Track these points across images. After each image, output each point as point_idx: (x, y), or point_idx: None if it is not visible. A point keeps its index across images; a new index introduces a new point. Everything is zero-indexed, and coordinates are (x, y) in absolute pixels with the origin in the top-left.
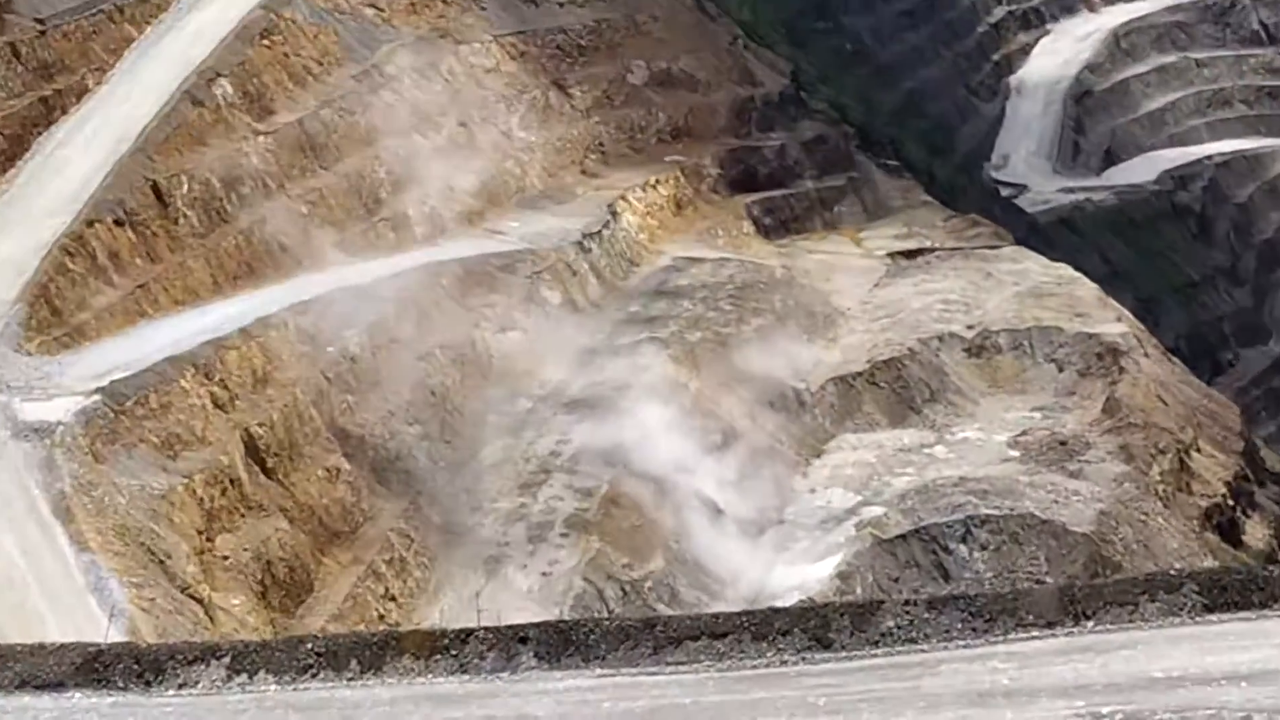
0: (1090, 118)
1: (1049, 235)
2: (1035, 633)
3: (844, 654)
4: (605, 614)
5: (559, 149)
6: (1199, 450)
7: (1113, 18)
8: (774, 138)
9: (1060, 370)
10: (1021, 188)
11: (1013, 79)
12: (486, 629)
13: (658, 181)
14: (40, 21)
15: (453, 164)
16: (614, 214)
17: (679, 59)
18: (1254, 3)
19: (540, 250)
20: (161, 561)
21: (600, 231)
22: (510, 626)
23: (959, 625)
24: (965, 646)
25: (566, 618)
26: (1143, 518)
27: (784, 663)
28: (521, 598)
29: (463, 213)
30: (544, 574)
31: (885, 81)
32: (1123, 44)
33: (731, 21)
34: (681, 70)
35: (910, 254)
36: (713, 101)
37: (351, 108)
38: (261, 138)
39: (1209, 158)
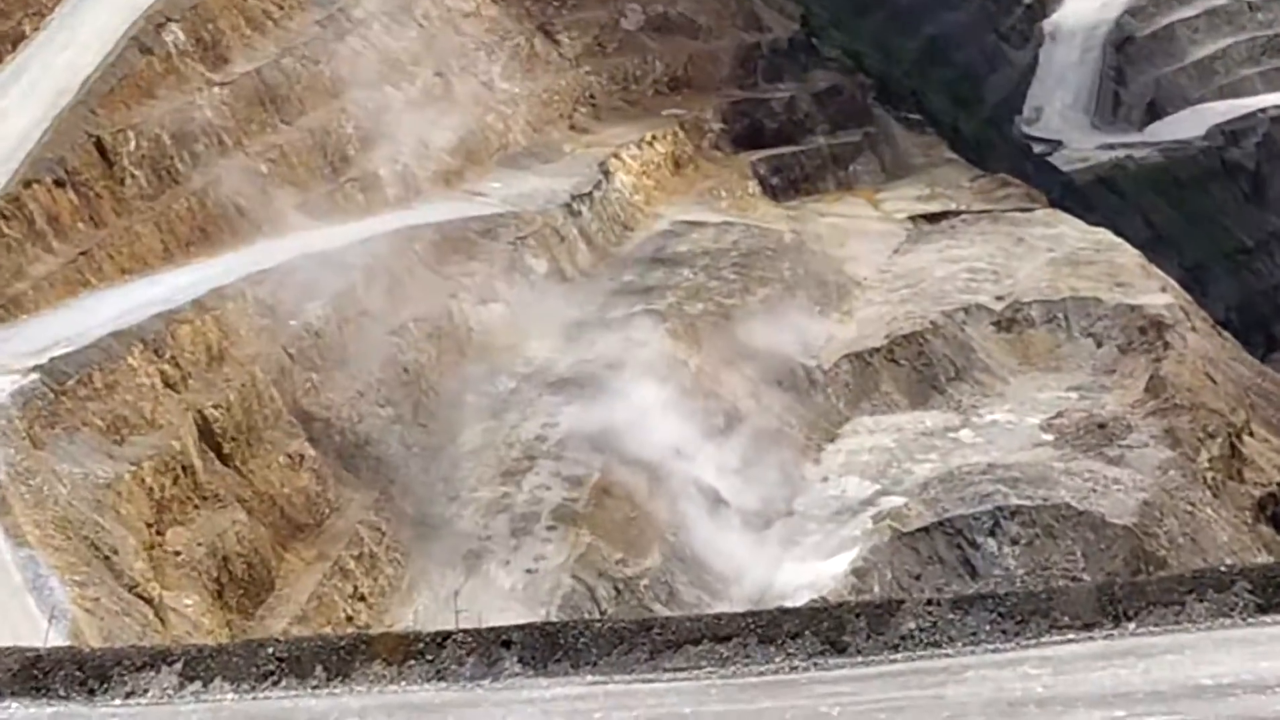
0: (1132, 66)
1: (1086, 196)
2: (1071, 635)
3: (860, 659)
4: (596, 615)
5: (545, 101)
6: (1252, 434)
7: None
8: (782, 89)
9: (1099, 346)
10: (1056, 144)
11: (1046, 23)
12: (466, 632)
13: (654, 137)
14: None
15: (428, 118)
16: (606, 173)
17: (677, 2)
18: None
19: (524, 213)
20: (107, 557)
21: (591, 193)
22: (492, 629)
23: (987, 627)
24: (994, 651)
25: (554, 619)
26: (1190, 508)
27: (794, 669)
28: (504, 597)
29: (439, 172)
30: (529, 571)
31: (905, 27)
32: None
33: None
34: (680, 14)
35: (933, 217)
36: (715, 49)
37: (315, 56)
38: (216, 89)
39: (1263, 110)
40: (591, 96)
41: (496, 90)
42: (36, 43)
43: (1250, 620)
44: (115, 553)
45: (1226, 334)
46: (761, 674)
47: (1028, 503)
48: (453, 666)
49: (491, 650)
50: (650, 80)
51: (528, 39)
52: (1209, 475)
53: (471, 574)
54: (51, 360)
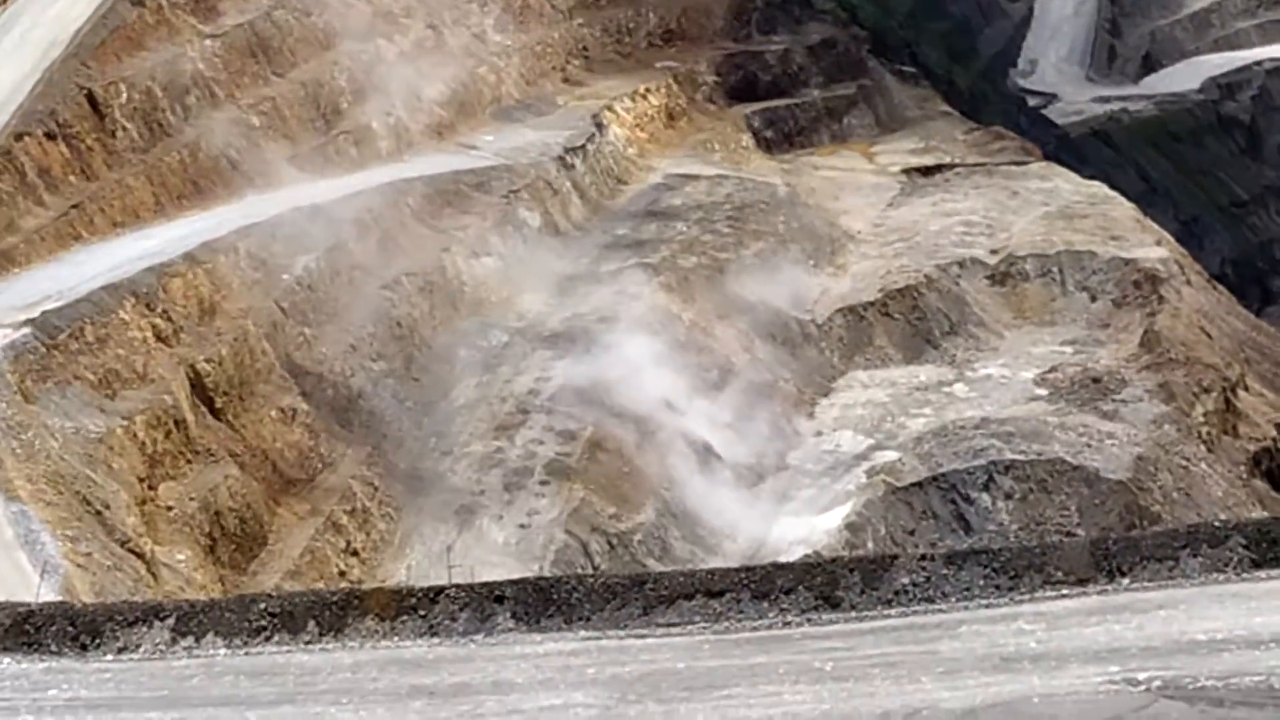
0: (1127, 19)
1: (1081, 150)
2: (1065, 591)
3: (853, 614)
4: (590, 570)
5: (538, 54)
6: (1246, 388)
7: None
8: (777, 41)
9: (1093, 300)
10: (1051, 97)
11: None
12: (459, 587)
13: (648, 90)
14: None
15: (420, 71)
16: (599, 126)
17: None
18: None
19: (517, 166)
20: (99, 512)
21: (584, 146)
22: (485, 584)
23: (981, 583)
24: (987, 606)
25: (547, 574)
26: (1184, 463)
27: (787, 624)
28: (497, 552)
29: (431, 125)
30: (522, 526)
31: None
32: None
33: None
34: None
35: (927, 170)
36: (708, 1)
37: (307, 8)
38: (208, 41)
39: (1259, 63)
40: (584, 49)
41: (489, 42)
42: None
43: (1244, 575)
44: (107, 507)
45: (1221, 288)
46: (755, 629)
47: (1022, 457)
48: (445, 622)
49: (484, 605)
50: (644, 32)
51: None
52: (1204, 430)
53: (464, 529)
54: (43, 314)
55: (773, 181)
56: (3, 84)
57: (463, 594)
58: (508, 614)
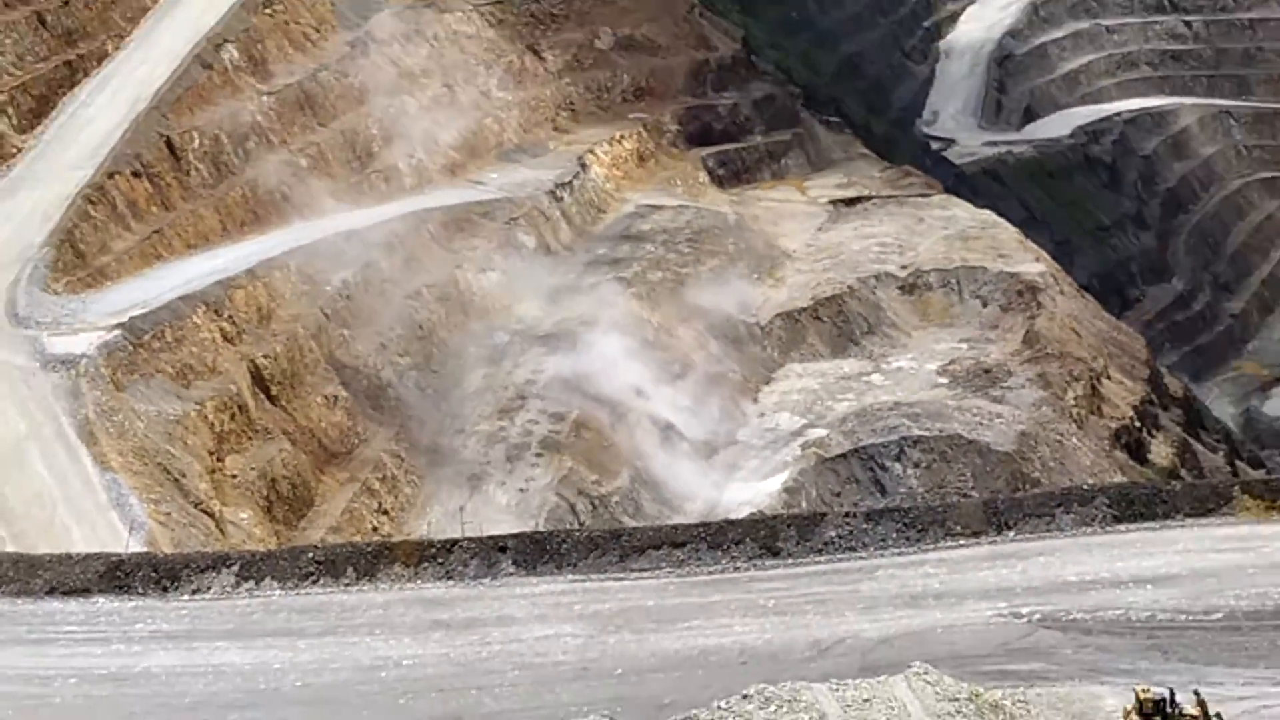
0: (1011, 79)
1: (974, 184)
2: (962, 541)
3: (790, 561)
4: (576, 526)
5: (533, 107)
6: (1109, 377)
7: None
8: (727, 97)
9: (984, 306)
10: (950, 141)
11: (942, 43)
12: (470, 540)
13: (622, 136)
14: None
15: (437, 121)
16: (583, 166)
17: (642, 26)
18: None
19: (516, 199)
20: (176, 480)
21: (571, 181)
22: (491, 537)
23: (894, 535)
24: (899, 554)
25: (541, 529)
26: (1059, 438)
27: (737, 569)
28: (501, 511)
29: (446, 165)
30: (521, 490)
31: (827, 46)
32: (1041, 12)
33: None
34: (644, 36)
35: (849, 201)
36: (672, 64)
37: (345, 70)
38: (264, 97)
39: (1118, 114)
40: (571, 103)
41: (493, 98)
42: (118, 60)
43: (1108, 529)
44: (183, 476)
45: (1089, 296)
46: (710, 573)
47: (927, 434)
48: (459, 568)
49: (490, 555)
50: (619, 90)
51: (519, 56)
52: (1074, 411)
53: (474, 493)
54: (131, 319)
55: (724, 210)
56: (98, 132)
57: (473, 545)
58: (509, 561)
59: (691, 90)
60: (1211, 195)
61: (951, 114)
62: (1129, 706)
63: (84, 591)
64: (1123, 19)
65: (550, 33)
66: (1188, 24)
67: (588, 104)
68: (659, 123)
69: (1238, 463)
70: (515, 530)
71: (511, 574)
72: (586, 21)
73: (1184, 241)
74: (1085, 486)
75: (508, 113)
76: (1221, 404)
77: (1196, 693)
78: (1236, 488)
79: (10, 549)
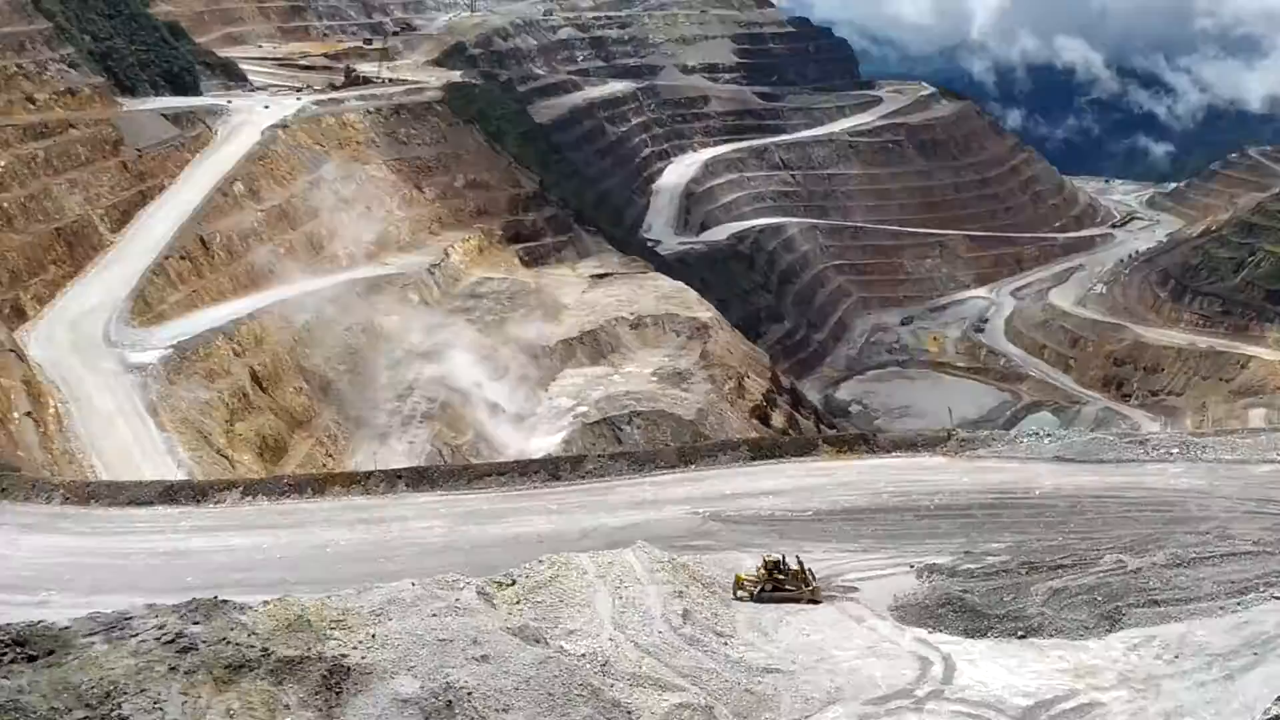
0: (695, 206)
1: (673, 267)
2: (665, 471)
3: (566, 483)
4: (443, 462)
5: (417, 221)
6: (748, 377)
7: (706, 154)
8: (531, 215)
9: (677, 336)
10: (658, 241)
11: (654, 185)
12: (380, 471)
13: (470, 238)
14: (139, 150)
15: (361, 228)
16: (447, 255)
17: (481, 173)
18: (776, 147)
19: (408, 273)
20: (205, 437)
21: (440, 263)
22: (393, 469)
23: (626, 467)
24: (630, 479)
25: (422, 465)
26: (720, 412)
27: (534, 488)
28: (399, 456)
29: (366, 253)
30: (410, 443)
31: (588, 186)
32: (710, 168)
33: (507, 154)
34: (482, 179)
35: (600, 276)
36: (498, 196)
37: (307, 197)
38: (259, 212)
39: (754, 227)
40: (440, 219)
41: (394, 215)
42: (171, 190)
43: (748, 464)
44: (210, 435)
45: (737, 331)
46: (520, 490)
47: (645, 409)
48: (374, 487)
49: (392, 480)
50: (468, 211)
51: (409, 190)
52: (729, 396)
53: (382, 445)
54: (179, 342)
55: (528, 281)
56: (158, 232)
57: (381, 474)
58: (404, 484)
59: (510, 211)
60: (806, 274)
61: (660, 226)
62: (759, 565)
63: (149, 503)
64: (757, 172)
65: (427, 177)
66: (793, 177)
67: (449, 219)
68: (491, 230)
69: (822, 427)
70: (407, 466)
71: (405, 491)
72: (448, 171)
73: (790, 300)
74: (735, 439)
75: (402, 224)
76: (812, 392)
77: (798, 558)
78: (820, 440)
79: (105, 478)
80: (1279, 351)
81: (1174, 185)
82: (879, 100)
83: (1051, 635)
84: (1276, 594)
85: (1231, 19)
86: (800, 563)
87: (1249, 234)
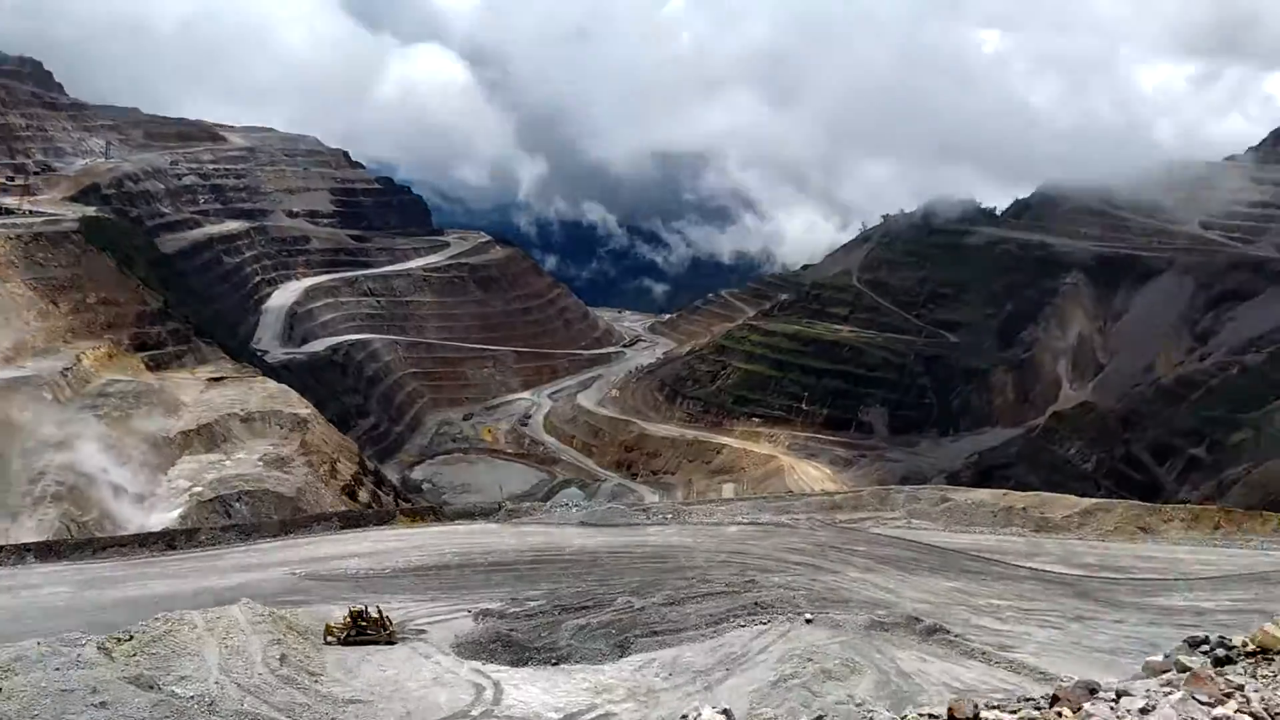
0: (298, 323)
1: (279, 373)
2: (269, 540)
3: (182, 551)
4: (69, 537)
5: (53, 331)
6: (340, 461)
7: (308, 281)
8: (156, 328)
9: (282, 428)
10: (267, 352)
11: (264, 306)
12: (9, 545)
13: (99, 346)
14: None
15: (3, 336)
16: (79, 360)
17: (112, 292)
18: (365, 278)
19: (42, 374)
20: None
21: (72, 367)
22: (22, 543)
23: (235, 537)
24: (238, 546)
25: (51, 539)
26: (316, 490)
27: (153, 556)
28: (28, 532)
29: (4, 358)
30: (40, 520)
31: (207, 305)
32: (310, 293)
33: (136, 277)
34: (111, 297)
35: (216, 379)
36: (127, 311)
37: None
38: None
39: (347, 341)
40: (73, 330)
41: (31, 325)
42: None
43: (337, 531)
44: None
45: (332, 424)
46: (139, 559)
47: (253, 488)
48: (5, 559)
49: (22, 553)
50: (98, 324)
51: (45, 306)
52: (325, 476)
53: (14, 523)
54: None
55: (153, 382)
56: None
57: (12, 548)
58: (33, 556)
59: (137, 324)
60: (388, 379)
61: (268, 339)
62: (345, 615)
63: None
64: (349, 298)
65: (62, 294)
66: (379, 302)
67: (82, 330)
68: (120, 340)
69: (400, 501)
70: (36, 540)
71: (34, 562)
72: (82, 290)
73: (375, 400)
74: (327, 512)
75: (38, 333)
76: (392, 473)
77: (378, 607)
78: (398, 511)
79: None
80: (744, 441)
81: (669, 315)
82: (447, 244)
83: (578, 661)
84: (742, 623)
85: (709, 194)
86: (380, 611)
87: (722, 353)
